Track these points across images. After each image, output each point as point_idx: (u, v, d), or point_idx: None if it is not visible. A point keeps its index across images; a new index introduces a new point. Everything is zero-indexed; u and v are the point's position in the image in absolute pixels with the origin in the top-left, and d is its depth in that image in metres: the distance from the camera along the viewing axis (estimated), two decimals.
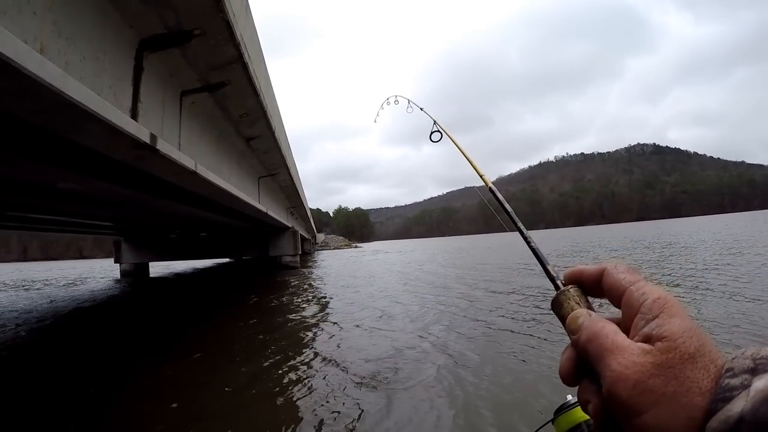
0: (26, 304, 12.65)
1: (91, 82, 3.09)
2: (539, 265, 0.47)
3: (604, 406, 0.34)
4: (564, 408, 0.68)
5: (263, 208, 12.00)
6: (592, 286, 0.40)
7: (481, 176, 0.73)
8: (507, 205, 0.59)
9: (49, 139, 3.13)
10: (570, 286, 0.41)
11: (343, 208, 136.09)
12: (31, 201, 7.83)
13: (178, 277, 22.51)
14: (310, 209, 53.74)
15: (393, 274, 16.42)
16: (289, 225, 22.04)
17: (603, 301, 0.39)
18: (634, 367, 0.31)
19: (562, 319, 0.39)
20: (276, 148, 10.38)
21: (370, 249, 63.14)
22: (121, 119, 3.35)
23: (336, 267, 24.04)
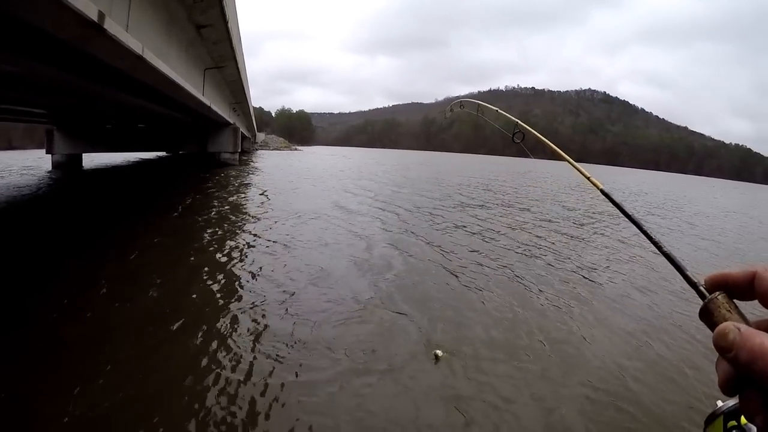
0: None
1: None
2: (677, 272, 0.44)
3: None
4: (714, 416, 0.69)
5: (207, 102, 11.41)
6: (741, 290, 0.37)
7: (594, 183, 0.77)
8: (626, 209, 0.61)
9: None
10: (717, 293, 0.38)
11: (286, 110, 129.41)
12: None
13: (114, 169, 21.63)
14: (254, 107, 51.39)
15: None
16: (231, 121, 21.39)
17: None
18: None
19: (713, 327, 0.36)
20: (227, 39, 9.69)
21: (309, 152, 64.55)
22: None
23: (275, 169, 23.89)
